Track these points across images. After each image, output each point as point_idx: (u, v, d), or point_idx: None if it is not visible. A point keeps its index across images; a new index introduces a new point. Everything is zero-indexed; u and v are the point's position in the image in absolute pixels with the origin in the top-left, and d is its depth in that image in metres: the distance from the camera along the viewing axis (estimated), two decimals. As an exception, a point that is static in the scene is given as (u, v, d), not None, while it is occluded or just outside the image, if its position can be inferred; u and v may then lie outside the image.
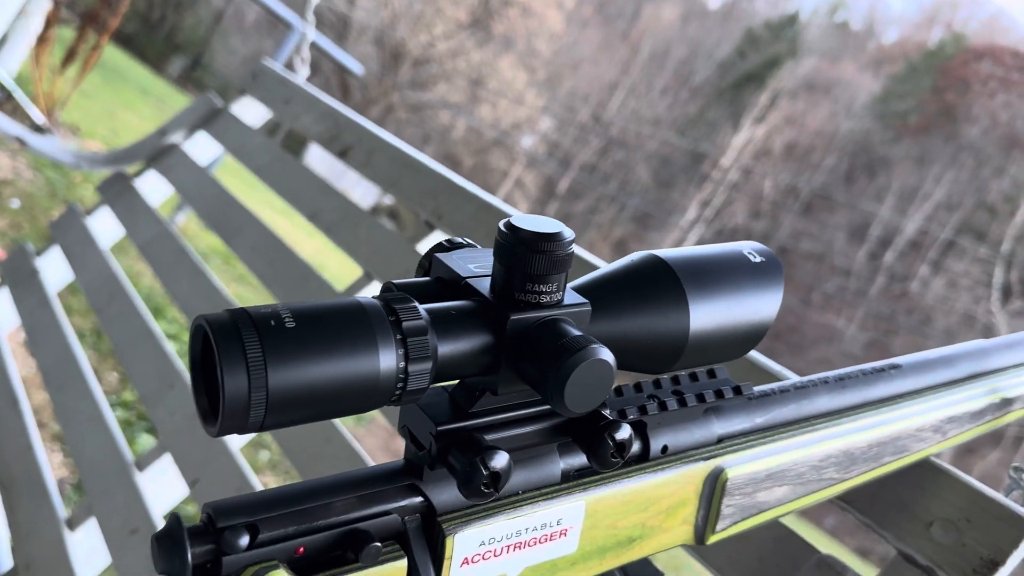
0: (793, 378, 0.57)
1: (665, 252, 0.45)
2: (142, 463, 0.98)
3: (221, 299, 1.15)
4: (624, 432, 0.42)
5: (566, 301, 0.40)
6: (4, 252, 3.59)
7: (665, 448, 0.48)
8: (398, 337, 0.35)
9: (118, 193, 1.46)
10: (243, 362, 0.32)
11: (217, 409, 0.32)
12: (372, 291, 1.07)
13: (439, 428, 0.39)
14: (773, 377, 0.73)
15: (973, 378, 0.63)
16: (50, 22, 6.41)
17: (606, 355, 0.37)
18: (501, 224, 0.39)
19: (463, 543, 0.40)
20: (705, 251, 0.46)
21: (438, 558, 0.40)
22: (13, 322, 1.36)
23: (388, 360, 0.35)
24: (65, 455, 1.83)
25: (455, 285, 0.41)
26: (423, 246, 1.06)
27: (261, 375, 0.32)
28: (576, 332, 0.38)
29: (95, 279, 1.29)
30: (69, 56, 6.43)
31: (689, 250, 0.46)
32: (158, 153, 1.50)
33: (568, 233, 0.39)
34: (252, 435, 0.95)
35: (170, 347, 1.12)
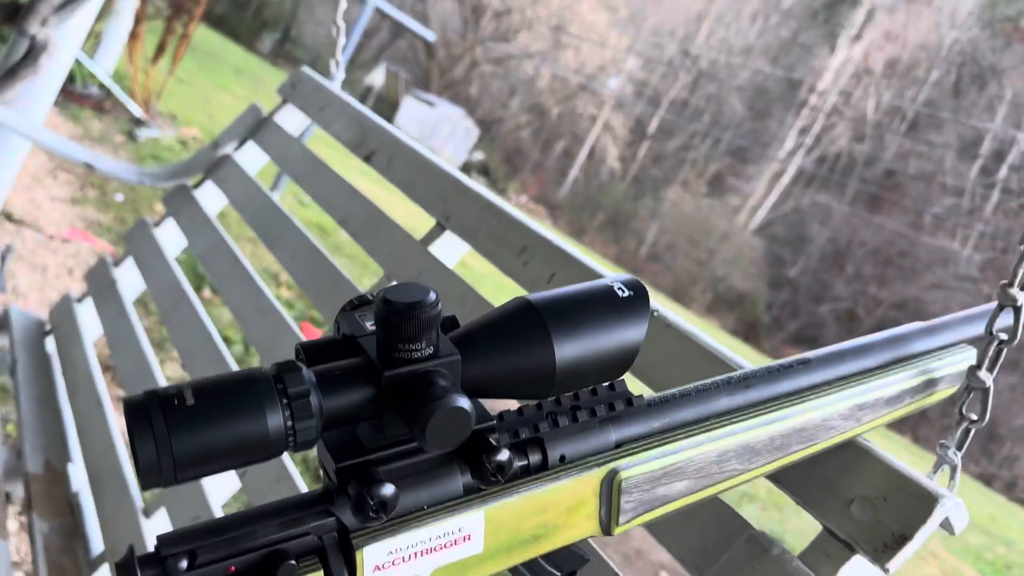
0: (702, 382, 0.62)
1: (535, 296, 0.52)
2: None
3: (268, 305, 1.27)
4: (503, 455, 0.50)
5: (441, 353, 0.48)
6: (112, 248, 3.88)
7: (563, 457, 0.55)
8: (284, 401, 0.44)
9: (181, 205, 1.61)
10: (151, 436, 0.41)
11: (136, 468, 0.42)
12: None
13: (338, 465, 0.48)
14: (732, 369, 0.78)
15: (890, 365, 0.67)
16: (139, 18, 6.75)
17: (462, 403, 0.45)
18: (377, 295, 0.47)
19: (372, 554, 0.49)
20: (574, 291, 0.53)
21: (352, 568, 0.49)
22: (97, 330, 1.53)
23: (275, 421, 0.44)
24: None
25: (352, 343, 0.50)
26: (435, 247, 1.15)
27: (166, 445, 0.41)
28: (441, 383, 0.46)
29: (163, 287, 1.44)
30: (160, 48, 6.76)
31: (559, 291, 0.53)
32: (213, 165, 1.64)
33: (431, 300, 0.47)
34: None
35: (226, 351, 1.26)
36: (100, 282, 1.58)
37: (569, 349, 0.51)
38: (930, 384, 0.68)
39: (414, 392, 0.46)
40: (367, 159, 1.36)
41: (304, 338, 1.18)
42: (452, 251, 1.17)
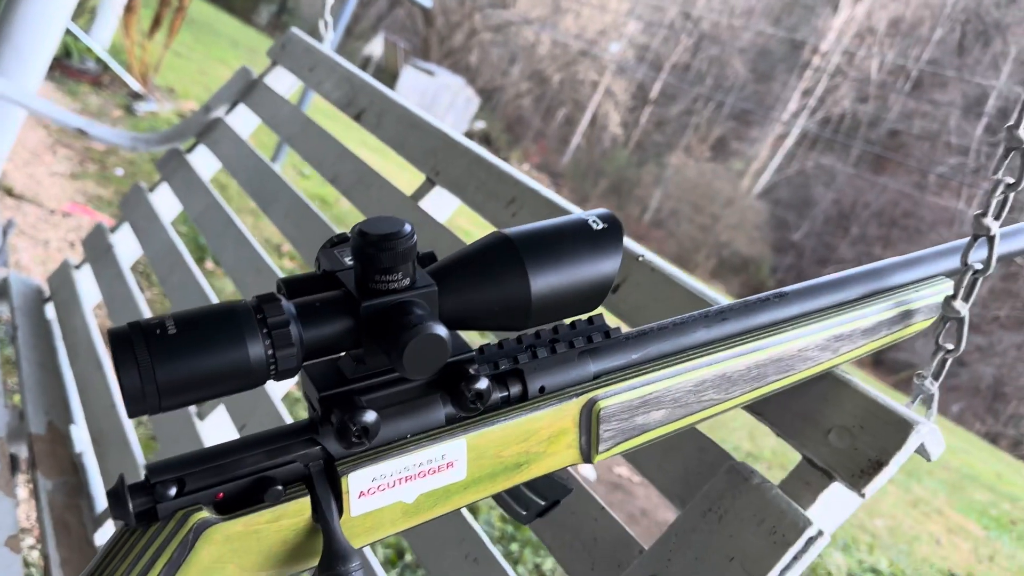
0: (680, 316, 0.64)
1: (512, 230, 0.53)
2: (202, 413, 1.14)
3: (264, 265, 1.28)
4: (481, 383, 0.51)
5: (418, 284, 0.50)
6: (113, 221, 3.90)
7: (543, 388, 0.57)
8: (264, 331, 0.45)
9: (174, 169, 1.62)
10: (135, 365, 0.43)
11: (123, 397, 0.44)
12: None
13: (322, 394, 0.50)
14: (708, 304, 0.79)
15: (867, 297, 0.68)
16: (134, -9, 6.70)
17: (438, 330, 0.47)
18: (352, 230, 0.49)
19: (357, 480, 0.51)
20: (550, 225, 0.54)
21: (338, 494, 0.51)
22: (96, 295, 1.55)
23: (256, 350, 0.45)
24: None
25: (332, 278, 0.51)
26: (425, 203, 1.16)
27: (149, 373, 0.43)
28: (418, 312, 0.48)
29: (159, 251, 1.46)
30: (156, 21, 6.72)
31: (535, 226, 0.54)
32: (205, 128, 1.64)
33: (407, 230, 0.48)
34: (289, 387, 1.09)
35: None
36: (97, 248, 1.60)
37: (544, 280, 0.52)
38: (907, 315, 0.70)
39: (391, 321, 0.48)
40: (357, 117, 1.37)
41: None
42: (443, 205, 1.18)
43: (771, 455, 5.09)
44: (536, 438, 0.57)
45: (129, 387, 0.43)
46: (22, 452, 1.22)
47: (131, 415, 0.45)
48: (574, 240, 0.53)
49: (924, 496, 6.35)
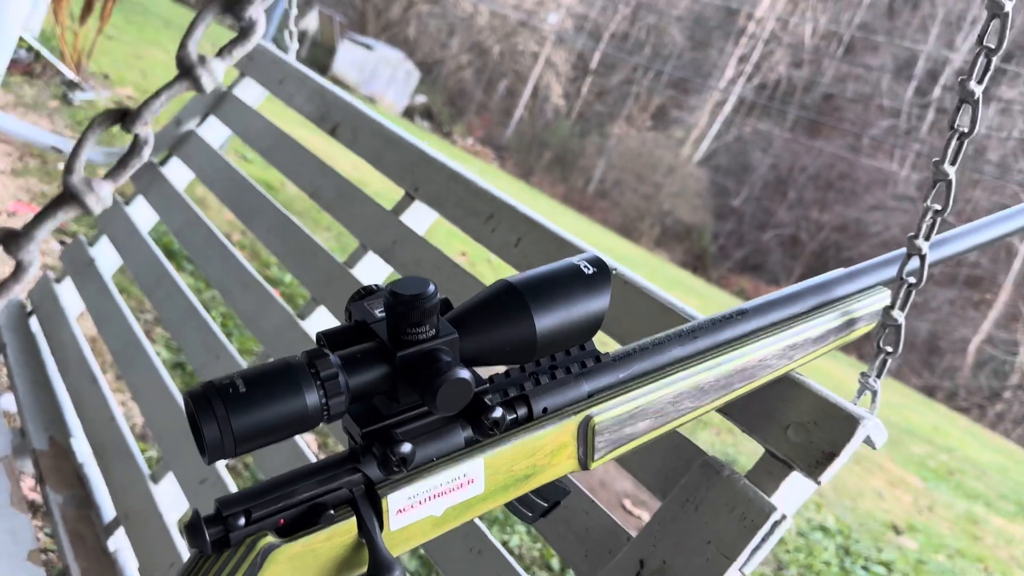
0: (656, 336, 0.73)
1: (516, 279, 0.62)
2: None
3: (249, 278, 1.35)
4: (496, 413, 0.60)
5: (442, 333, 0.58)
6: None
7: (545, 409, 0.66)
8: (317, 383, 0.53)
9: (149, 182, 1.66)
10: (215, 419, 0.50)
11: (203, 449, 0.51)
12: (367, 263, 1.25)
13: (364, 430, 0.58)
14: (684, 320, 0.89)
15: (817, 309, 0.79)
16: (63, -24, 6.51)
17: (463, 374, 0.55)
18: (386, 289, 0.57)
19: (395, 500, 0.59)
20: (547, 272, 0.63)
21: (379, 513, 0.59)
22: (79, 307, 1.59)
23: (312, 399, 0.53)
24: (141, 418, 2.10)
25: (365, 328, 0.59)
26: (407, 217, 1.23)
27: (227, 425, 0.51)
28: (445, 359, 0.56)
29: (142, 264, 1.50)
30: (87, 6, 6.56)
31: (535, 274, 0.62)
32: (177, 142, 1.68)
33: (432, 289, 0.56)
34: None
35: (213, 324, 1.33)
36: (77, 262, 1.63)
37: (546, 321, 0.61)
38: (851, 323, 0.80)
39: (423, 368, 0.56)
40: (332, 132, 1.43)
41: (279, 300, 1.26)
42: (422, 219, 1.25)
43: (720, 421, 5.28)
44: (541, 452, 0.66)
45: (211, 439, 0.51)
46: (27, 468, 1.27)
47: (210, 461, 0.52)
48: (569, 284, 0.62)
49: (866, 453, 6.66)
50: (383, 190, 1.32)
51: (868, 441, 0.76)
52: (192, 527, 0.54)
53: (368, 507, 0.59)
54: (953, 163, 0.73)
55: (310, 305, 1.25)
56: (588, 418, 0.67)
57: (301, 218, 5.12)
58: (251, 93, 1.68)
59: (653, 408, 0.70)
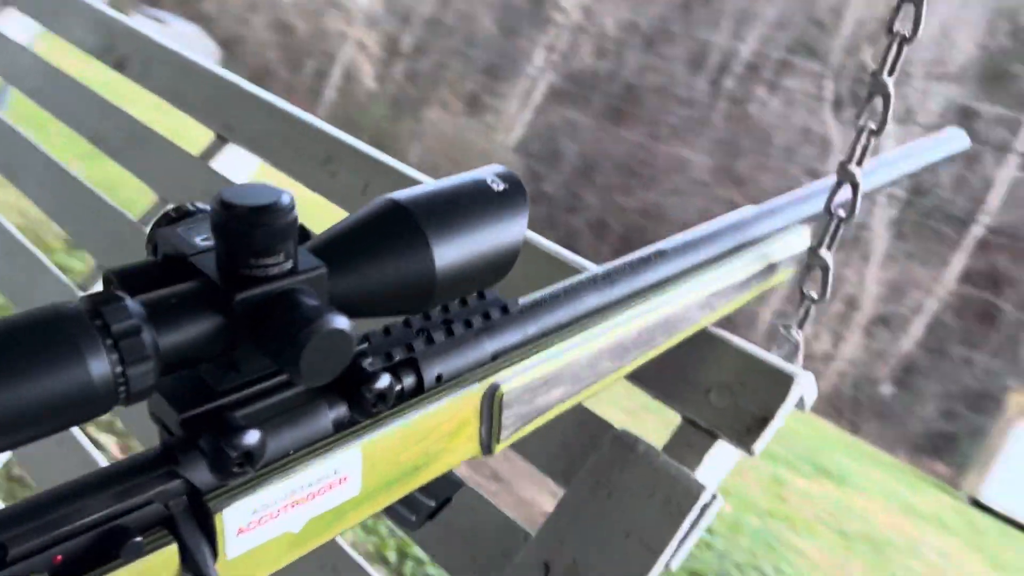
0: (567, 282, 0.58)
1: (403, 194, 0.44)
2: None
3: (13, 241, 1.07)
4: (383, 381, 0.43)
5: (301, 267, 0.40)
6: None
7: (440, 377, 0.49)
8: (108, 342, 0.34)
9: None
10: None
11: None
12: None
13: (183, 416, 0.39)
14: (575, 270, 0.75)
15: (736, 250, 0.67)
16: None
17: (340, 323, 0.37)
18: (214, 200, 0.38)
19: (233, 516, 0.41)
20: (445, 186, 0.46)
21: (211, 535, 0.40)
22: None
23: (99, 368, 0.33)
24: None
25: (181, 264, 0.40)
26: (218, 163, 1.01)
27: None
28: (310, 302, 0.38)
29: None
30: None
31: (428, 188, 0.45)
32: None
33: (287, 200, 0.38)
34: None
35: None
36: None
37: (449, 254, 0.44)
38: (772, 268, 0.69)
39: (277, 316, 0.38)
40: (118, 67, 1.17)
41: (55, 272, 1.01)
42: (239, 166, 1.04)
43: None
44: (436, 435, 0.49)
45: None
46: None
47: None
48: (478, 205, 0.46)
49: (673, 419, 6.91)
50: (191, 133, 1.09)
51: (800, 404, 0.66)
52: None
53: (194, 528, 0.40)
54: (891, 72, 0.63)
55: (96, 274, 1.00)
56: (495, 387, 0.51)
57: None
58: (17, 26, 1.37)
59: (570, 371, 0.55)
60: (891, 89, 0.63)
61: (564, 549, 0.63)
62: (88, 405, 0.34)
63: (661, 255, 0.63)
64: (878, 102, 0.64)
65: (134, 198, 1.17)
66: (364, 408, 0.42)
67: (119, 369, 0.34)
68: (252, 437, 0.38)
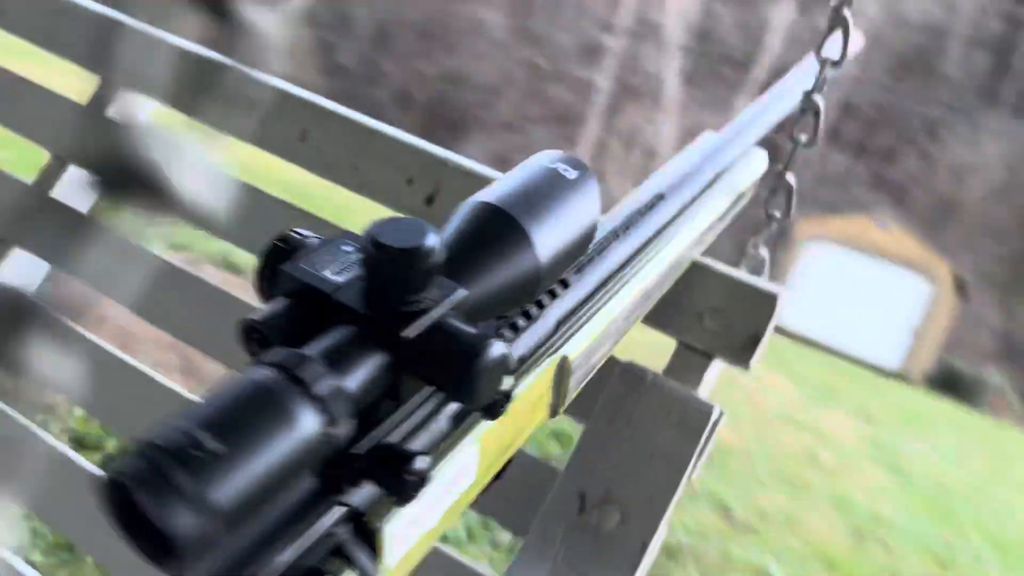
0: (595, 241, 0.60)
1: (493, 197, 0.45)
2: None
3: None
4: (507, 384, 0.45)
5: (446, 293, 0.40)
6: None
7: (523, 359, 0.51)
8: (316, 405, 0.34)
9: None
10: (181, 499, 0.29)
11: (172, 552, 0.30)
12: (71, 179, 0.93)
13: (352, 452, 0.39)
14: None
15: (714, 181, 0.71)
16: None
17: (500, 348, 0.39)
18: (366, 238, 0.37)
19: (394, 529, 0.42)
20: (526, 184, 0.47)
21: (376, 551, 0.42)
22: None
23: (310, 428, 0.34)
24: None
25: (322, 304, 0.39)
26: (116, 111, 0.92)
27: (202, 504, 0.30)
28: (465, 329, 0.39)
29: None
30: None
31: (512, 186, 0.46)
32: None
33: (433, 239, 0.38)
34: None
35: None
36: None
37: (548, 248, 0.46)
38: (742, 195, 0.74)
39: (441, 346, 0.39)
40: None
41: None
42: (137, 112, 0.95)
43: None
44: (522, 412, 0.52)
45: (182, 531, 0.29)
46: None
47: (183, 572, 0.31)
48: (561, 197, 0.47)
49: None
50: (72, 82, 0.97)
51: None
52: None
53: (361, 548, 0.42)
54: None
55: (-1, 249, 0.91)
56: (564, 358, 0.54)
57: None
58: None
59: (614, 327, 0.59)
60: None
61: (595, 478, 0.69)
62: (302, 466, 0.34)
63: (661, 198, 0.66)
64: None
65: (20, 158, 1.05)
66: (497, 413, 0.44)
67: (329, 427, 0.34)
68: (424, 462, 0.40)
